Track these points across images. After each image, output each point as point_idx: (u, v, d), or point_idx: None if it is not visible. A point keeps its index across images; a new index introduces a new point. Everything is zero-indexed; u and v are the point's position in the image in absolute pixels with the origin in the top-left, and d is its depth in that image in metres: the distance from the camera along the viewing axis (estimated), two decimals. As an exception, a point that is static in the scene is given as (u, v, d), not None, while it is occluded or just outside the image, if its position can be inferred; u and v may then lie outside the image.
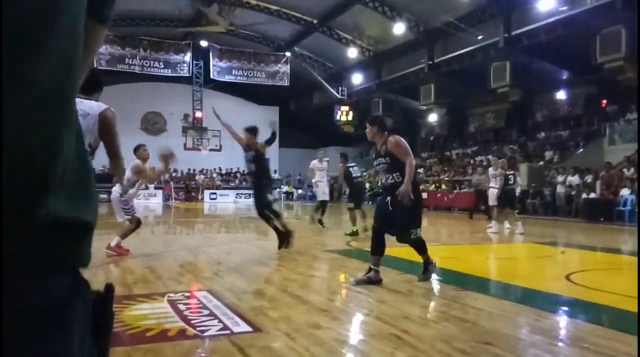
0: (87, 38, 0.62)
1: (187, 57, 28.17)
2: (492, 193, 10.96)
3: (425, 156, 27.57)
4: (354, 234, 9.50)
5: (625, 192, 14.26)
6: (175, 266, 6.19)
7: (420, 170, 25.42)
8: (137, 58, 26.88)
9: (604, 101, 20.51)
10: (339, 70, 30.29)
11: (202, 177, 30.49)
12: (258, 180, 7.30)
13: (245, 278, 5.40)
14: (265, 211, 7.13)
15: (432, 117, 26.43)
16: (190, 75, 29.28)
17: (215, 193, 28.64)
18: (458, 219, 15.85)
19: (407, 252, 7.99)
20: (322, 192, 10.99)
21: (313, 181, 11.33)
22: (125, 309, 3.87)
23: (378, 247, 4.99)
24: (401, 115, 28.28)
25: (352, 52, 27.08)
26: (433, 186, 22.16)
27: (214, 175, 31.03)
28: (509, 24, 19.95)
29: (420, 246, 5.10)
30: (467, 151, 24.71)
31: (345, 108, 30.07)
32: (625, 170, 15.57)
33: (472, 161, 22.93)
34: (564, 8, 17.63)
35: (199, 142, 30.89)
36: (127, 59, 26.65)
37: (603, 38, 16.39)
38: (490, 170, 11.36)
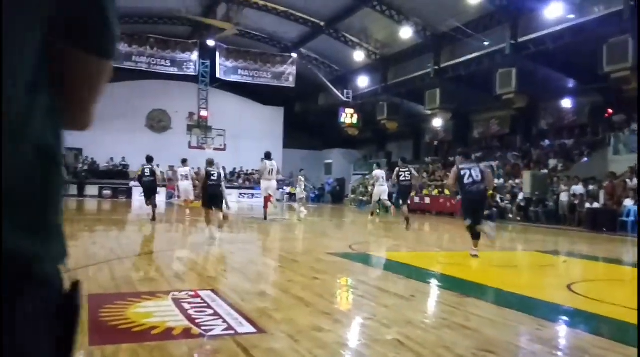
0: (71, 68, 0.63)
1: (194, 56, 28.26)
2: None
3: (429, 161, 27.57)
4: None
5: (628, 202, 14.23)
6: (179, 264, 6.23)
7: (424, 174, 25.48)
8: (144, 56, 26.97)
9: (610, 111, 20.49)
10: (345, 73, 30.31)
11: (206, 175, 30.39)
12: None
13: (249, 279, 5.43)
14: None
15: (437, 122, 26.33)
16: (197, 74, 29.39)
17: (218, 192, 28.63)
18: (461, 225, 15.83)
19: (410, 258, 8.03)
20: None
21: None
22: (130, 306, 3.91)
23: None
24: (406, 119, 28.29)
25: (359, 55, 27.10)
26: (436, 190, 22.14)
27: (218, 174, 30.96)
28: (515, 30, 19.92)
29: None
30: (471, 157, 24.71)
31: (350, 111, 30.10)
32: (628, 180, 15.54)
33: (475, 167, 22.90)
34: (572, 16, 17.60)
35: (204, 141, 30.97)
36: (134, 57, 26.74)
37: (610, 47, 16.33)
38: None
